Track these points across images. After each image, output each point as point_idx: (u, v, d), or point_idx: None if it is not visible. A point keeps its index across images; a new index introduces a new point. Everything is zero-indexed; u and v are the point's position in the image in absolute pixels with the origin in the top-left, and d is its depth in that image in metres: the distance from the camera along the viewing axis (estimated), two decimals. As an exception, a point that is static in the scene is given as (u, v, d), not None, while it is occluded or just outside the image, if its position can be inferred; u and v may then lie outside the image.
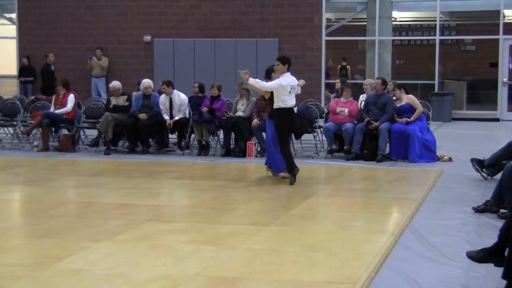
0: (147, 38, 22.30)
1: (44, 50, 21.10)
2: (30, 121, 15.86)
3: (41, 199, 10.13)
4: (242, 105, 14.78)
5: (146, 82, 15.26)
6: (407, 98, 13.92)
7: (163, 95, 15.18)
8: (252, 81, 11.08)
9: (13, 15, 23.73)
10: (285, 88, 11.12)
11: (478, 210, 9.02)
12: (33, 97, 17.20)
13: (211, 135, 15.07)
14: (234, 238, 7.75)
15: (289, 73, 11.31)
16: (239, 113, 14.69)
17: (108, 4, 22.38)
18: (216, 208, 9.55)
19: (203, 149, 14.82)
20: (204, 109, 14.88)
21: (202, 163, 13.82)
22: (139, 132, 14.73)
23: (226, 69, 20.92)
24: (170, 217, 9.02)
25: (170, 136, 15.51)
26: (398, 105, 13.89)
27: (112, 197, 10.18)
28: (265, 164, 12.08)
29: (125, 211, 9.05)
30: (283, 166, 11.64)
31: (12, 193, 11.13)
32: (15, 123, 16.20)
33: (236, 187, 11.19)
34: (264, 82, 11.43)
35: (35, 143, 15.81)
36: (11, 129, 16.69)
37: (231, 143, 14.73)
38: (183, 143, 15.12)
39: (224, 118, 14.69)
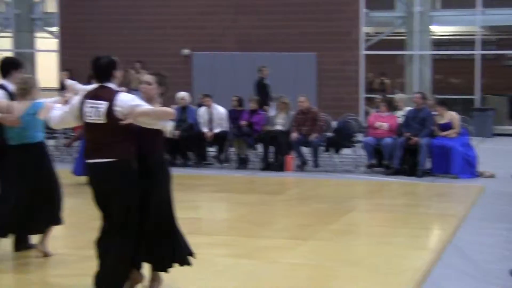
0: (186, 51, 22.41)
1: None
2: (71, 134, 15.98)
3: (80, 211, 10.19)
4: (281, 119, 14.77)
5: (181, 93, 15.30)
6: (449, 115, 13.79)
7: (203, 108, 15.24)
8: (70, 82, 9.12)
9: (55, 29, 24.03)
10: None
11: (521, 227, 8.88)
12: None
13: (250, 149, 15.06)
14: (273, 252, 7.71)
15: None
16: (278, 127, 14.68)
17: (148, 18, 22.56)
18: (255, 222, 9.53)
19: (242, 163, 14.82)
20: (243, 122, 14.89)
21: (240, 177, 13.81)
22: (178, 145, 14.78)
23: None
24: (209, 230, 9.01)
25: (209, 149, 15.53)
26: (440, 121, 13.74)
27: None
28: None
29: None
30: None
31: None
32: (56, 135, 16.35)
33: (275, 201, 11.15)
34: (81, 85, 10.85)
35: (76, 155, 15.92)
36: (52, 141, 16.85)
37: (270, 157, 14.70)
38: (222, 156, 15.13)
39: (263, 131, 14.67)
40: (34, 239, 7.60)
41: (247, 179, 13.68)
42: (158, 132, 5.98)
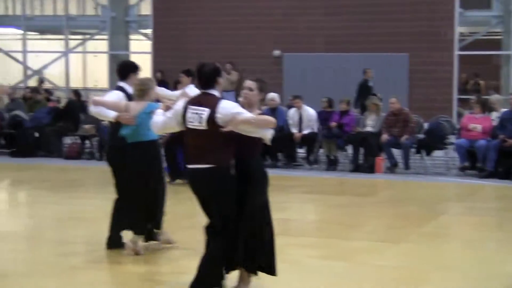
0: (277, 52, 22.47)
1: (177, 64, 21.64)
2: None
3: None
4: (372, 120, 14.65)
5: (271, 94, 15.34)
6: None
7: (293, 109, 15.27)
8: (158, 89, 9.67)
9: (148, 31, 24.48)
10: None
11: None
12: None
13: (340, 150, 15.00)
14: (363, 254, 7.66)
15: (193, 85, 11.32)
16: (368, 128, 14.57)
17: (239, 19, 22.73)
18: (345, 223, 9.48)
19: (331, 164, 14.78)
20: (333, 124, 14.85)
21: (330, 178, 13.77)
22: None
23: (355, 84, 20.80)
24: (299, 232, 9.02)
25: (299, 150, 15.54)
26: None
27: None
28: None
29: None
30: None
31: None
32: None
33: (365, 203, 11.08)
34: (168, 91, 10.53)
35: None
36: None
37: (360, 158, 14.60)
38: (311, 157, 15.12)
39: (353, 133, 14.60)
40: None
41: (336, 180, 13.63)
42: (257, 139, 6.06)
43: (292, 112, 15.25)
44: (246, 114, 5.90)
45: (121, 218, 7.71)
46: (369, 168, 14.22)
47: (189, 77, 11.73)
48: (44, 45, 30.17)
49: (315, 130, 15.01)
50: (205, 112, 5.87)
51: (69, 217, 9.67)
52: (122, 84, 7.99)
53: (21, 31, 25.54)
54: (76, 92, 18.20)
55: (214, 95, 6.01)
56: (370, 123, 14.66)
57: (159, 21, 23.50)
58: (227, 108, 5.87)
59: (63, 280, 6.78)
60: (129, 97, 7.78)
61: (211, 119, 5.84)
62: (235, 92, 21.97)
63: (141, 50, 25.41)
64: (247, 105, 6.11)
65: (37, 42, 30.10)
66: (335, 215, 10.08)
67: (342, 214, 10.15)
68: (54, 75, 27.12)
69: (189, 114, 5.96)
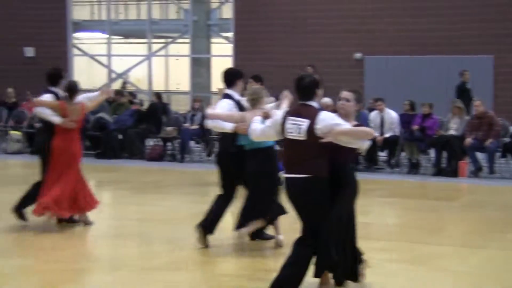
0: (358, 55, 22.32)
1: (257, 67, 21.72)
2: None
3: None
4: (455, 124, 14.40)
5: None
6: None
7: (374, 112, 15.15)
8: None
9: (230, 34, 24.66)
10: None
11: None
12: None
13: (422, 154, 14.78)
14: (443, 260, 7.54)
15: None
16: (451, 132, 14.31)
17: (321, 22, 22.66)
18: (425, 228, 9.34)
19: (413, 168, 14.58)
20: (415, 127, 14.65)
21: (412, 182, 13.59)
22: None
23: (438, 87, 20.47)
24: (379, 235, 8.92)
25: (380, 153, 15.39)
26: None
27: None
28: None
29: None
30: None
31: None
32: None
33: (447, 207, 10.89)
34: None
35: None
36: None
37: (443, 162, 14.36)
38: (393, 161, 14.95)
39: (436, 136, 14.37)
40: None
41: (418, 184, 13.45)
42: (352, 149, 6.17)
43: (374, 115, 15.12)
44: (345, 125, 6.03)
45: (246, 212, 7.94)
46: (452, 172, 13.97)
47: (258, 83, 11.82)
48: (127, 48, 30.77)
49: (397, 133, 14.84)
50: (304, 123, 6.02)
51: (152, 218, 9.81)
52: (229, 91, 8.18)
53: (106, 36, 26.08)
54: (158, 94, 18.46)
55: (313, 107, 6.14)
56: (454, 126, 14.41)
57: (240, 24, 23.66)
58: (327, 119, 6.00)
59: (146, 280, 6.88)
60: (238, 104, 8.00)
61: (311, 130, 5.98)
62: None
63: (222, 53, 25.61)
64: (344, 116, 6.22)
65: (121, 46, 30.71)
66: (416, 219, 9.94)
67: (423, 218, 10.00)
68: (137, 78, 27.62)
69: (288, 125, 6.11)
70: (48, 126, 9.18)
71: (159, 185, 12.72)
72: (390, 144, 14.82)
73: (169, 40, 27.88)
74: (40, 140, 9.39)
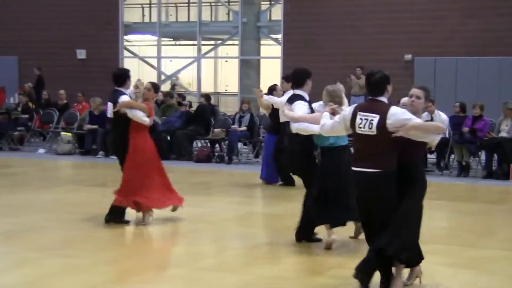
0: (408, 57, 22.12)
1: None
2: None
3: (296, 214, 10.37)
4: (506, 126, 14.17)
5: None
6: None
7: (424, 113, 14.88)
8: (266, 97, 11.83)
9: (279, 36, 24.66)
10: None
11: None
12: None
13: (472, 156, 14.58)
14: (494, 264, 7.42)
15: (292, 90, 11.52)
16: (503, 134, 14.09)
17: (371, 23, 22.52)
18: (475, 231, 9.21)
19: (463, 170, 14.39)
20: (465, 129, 14.46)
21: (461, 185, 13.41)
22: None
23: (489, 89, 20.19)
24: (428, 239, 8.78)
25: (429, 156, 15.22)
26: None
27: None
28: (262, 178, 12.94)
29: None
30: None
31: (270, 208, 11.54)
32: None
33: (497, 211, 10.72)
34: (276, 98, 11.85)
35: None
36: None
37: (493, 164, 14.14)
38: (442, 163, 14.78)
39: (486, 138, 14.16)
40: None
41: (468, 187, 13.27)
42: (422, 144, 6.29)
43: (424, 116, 14.89)
44: (416, 120, 6.16)
45: (316, 212, 7.99)
46: (503, 174, 13.76)
47: (289, 83, 12.08)
48: (177, 50, 31.00)
49: (447, 135, 14.66)
50: (375, 118, 6.12)
51: (200, 219, 9.84)
52: (299, 92, 8.22)
53: (156, 38, 26.30)
54: (207, 96, 18.54)
55: (383, 102, 6.24)
56: (505, 129, 14.19)
57: (289, 25, 23.64)
58: (398, 114, 6.12)
59: (193, 281, 6.90)
60: (309, 104, 8.08)
61: (382, 125, 6.09)
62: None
63: (271, 55, 25.63)
64: (413, 112, 6.32)
65: (170, 48, 30.96)
66: (465, 222, 9.81)
67: (473, 221, 9.86)
68: (186, 80, 27.80)
69: (358, 120, 6.20)
70: (122, 127, 9.29)
71: (207, 187, 12.77)
72: (440, 147, 14.63)
73: (219, 42, 28.01)
74: (117, 140, 9.48)
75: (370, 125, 6.11)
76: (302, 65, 22.07)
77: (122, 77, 9.66)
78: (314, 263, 7.68)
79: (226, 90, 31.74)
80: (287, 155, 8.42)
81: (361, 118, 6.19)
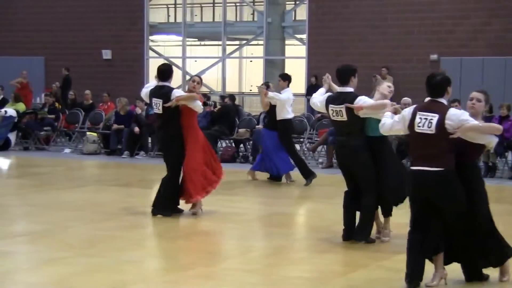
0: (434, 56, 22.00)
1: (331, 69, 21.61)
2: (316, 138, 16.30)
3: (322, 215, 10.36)
4: (533, 126, 14.04)
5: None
6: None
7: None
8: (271, 94, 12.80)
9: (304, 36, 24.64)
10: (290, 101, 12.97)
11: None
12: (319, 115, 17.59)
13: (499, 157, 14.46)
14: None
15: (288, 89, 12.94)
16: (530, 134, 13.96)
17: (395, 23, 22.42)
18: (503, 232, 9.10)
19: (490, 171, 14.27)
20: (492, 129, 14.33)
21: (488, 185, 13.13)
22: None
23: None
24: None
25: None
26: None
27: (399, 217, 10.02)
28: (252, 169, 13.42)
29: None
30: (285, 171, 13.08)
31: (296, 208, 11.53)
32: (302, 139, 16.75)
33: (525, 212, 10.61)
34: (281, 95, 12.87)
35: (320, 160, 16.22)
36: (298, 146, 17.27)
37: (520, 165, 14.03)
38: (468, 164, 14.65)
39: (513, 139, 14.05)
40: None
41: (494, 188, 13.11)
42: (479, 146, 6.42)
43: (449, 117, 14.85)
44: (474, 121, 6.29)
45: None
46: (530, 176, 13.65)
47: (285, 81, 13.05)
48: (202, 50, 31.07)
49: (473, 135, 14.54)
50: (435, 117, 6.31)
51: (224, 219, 9.86)
52: (348, 89, 8.27)
53: (181, 38, 26.38)
54: (231, 96, 18.55)
55: (443, 103, 6.43)
56: (532, 129, 14.06)
57: (314, 26, 23.59)
58: (457, 115, 6.31)
59: (217, 281, 6.91)
60: None
61: (441, 125, 6.27)
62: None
63: (296, 55, 25.60)
64: (473, 115, 6.45)
65: (195, 48, 31.04)
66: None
67: (499, 222, 9.73)
68: (211, 80, 27.85)
69: (417, 119, 6.39)
70: (175, 121, 9.56)
71: (231, 187, 12.76)
72: (466, 147, 14.53)
73: (243, 42, 28.04)
74: (171, 133, 9.65)
75: (430, 124, 6.29)
76: (327, 65, 22.13)
77: (168, 72, 9.89)
78: (338, 264, 7.66)
79: (250, 90, 31.76)
80: (348, 152, 8.26)
81: (420, 118, 6.36)
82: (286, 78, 13.17)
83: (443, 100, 6.45)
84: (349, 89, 8.28)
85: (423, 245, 6.41)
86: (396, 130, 6.85)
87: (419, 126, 6.37)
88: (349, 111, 8.09)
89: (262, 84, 13.61)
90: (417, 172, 6.38)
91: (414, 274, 6.38)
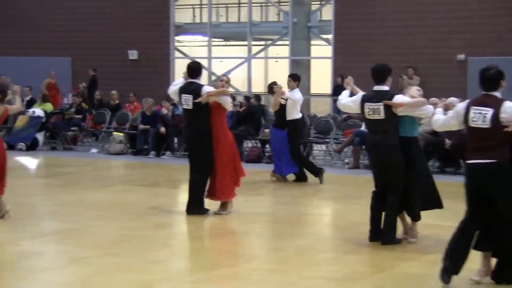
0: (461, 56, 21.85)
1: (356, 69, 21.54)
2: (342, 139, 16.26)
3: (347, 215, 10.34)
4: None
5: (449, 99, 14.78)
6: None
7: (477, 114, 14.75)
8: (288, 94, 12.94)
9: (329, 36, 24.58)
10: (301, 101, 13.13)
11: None
12: (345, 115, 17.55)
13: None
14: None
15: (298, 89, 13.08)
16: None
17: (422, 23, 22.30)
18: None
19: None
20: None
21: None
22: (449, 153, 14.43)
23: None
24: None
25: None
26: None
27: (427, 218, 9.95)
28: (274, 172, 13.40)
29: (436, 232, 8.81)
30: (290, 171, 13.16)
31: (321, 208, 11.51)
32: (327, 140, 16.71)
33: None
34: (296, 95, 12.97)
35: (346, 161, 16.17)
36: (323, 146, 17.24)
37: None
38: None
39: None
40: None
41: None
42: None
43: (476, 117, 14.73)
44: None
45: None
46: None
47: (295, 82, 13.15)
48: (227, 51, 31.10)
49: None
50: (489, 112, 6.36)
51: (249, 219, 9.87)
52: (384, 87, 8.26)
53: (207, 38, 26.44)
54: (257, 96, 18.55)
55: (497, 97, 6.49)
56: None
57: (340, 26, 23.54)
58: (511, 108, 6.33)
59: (243, 281, 6.92)
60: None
61: (495, 118, 6.32)
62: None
63: (321, 55, 25.55)
64: None
65: (221, 48, 31.08)
66: None
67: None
68: (237, 80, 27.87)
69: (471, 114, 6.44)
70: (205, 117, 9.65)
71: (257, 187, 12.79)
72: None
73: (269, 42, 28.03)
74: (201, 129, 9.74)
75: (484, 118, 6.33)
76: (353, 65, 22.10)
77: (198, 69, 10.04)
78: (363, 265, 7.64)
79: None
80: (384, 150, 8.17)
81: (474, 112, 6.41)
82: (297, 79, 13.24)
83: (497, 94, 6.49)
84: (386, 87, 8.26)
85: (478, 239, 6.45)
86: (450, 126, 6.95)
87: (473, 121, 6.42)
88: (387, 108, 8.04)
89: (274, 84, 13.64)
90: (471, 166, 6.44)
91: (452, 267, 6.34)
